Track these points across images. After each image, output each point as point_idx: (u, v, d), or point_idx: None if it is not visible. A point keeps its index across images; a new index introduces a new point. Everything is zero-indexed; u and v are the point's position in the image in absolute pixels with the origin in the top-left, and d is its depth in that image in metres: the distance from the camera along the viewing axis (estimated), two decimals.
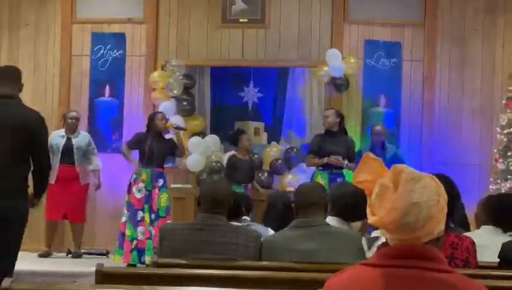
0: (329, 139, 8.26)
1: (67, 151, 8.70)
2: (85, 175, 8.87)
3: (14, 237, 4.88)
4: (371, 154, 1.94)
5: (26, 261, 6.90)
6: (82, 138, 8.87)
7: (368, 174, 1.90)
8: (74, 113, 8.96)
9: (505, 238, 4.29)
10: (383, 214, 1.82)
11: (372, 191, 1.89)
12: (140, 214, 8.22)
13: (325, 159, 8.13)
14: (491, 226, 4.42)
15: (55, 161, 8.41)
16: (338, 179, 7.98)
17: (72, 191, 8.71)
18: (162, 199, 8.30)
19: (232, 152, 9.03)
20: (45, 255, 8.80)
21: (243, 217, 5.17)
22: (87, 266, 7.26)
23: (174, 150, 8.52)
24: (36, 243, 8.91)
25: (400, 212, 1.81)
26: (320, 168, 8.25)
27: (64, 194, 8.64)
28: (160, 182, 8.32)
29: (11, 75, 4.93)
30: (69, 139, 8.76)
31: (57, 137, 8.72)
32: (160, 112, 8.76)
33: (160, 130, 8.39)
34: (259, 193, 8.80)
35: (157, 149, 8.27)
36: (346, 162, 8.14)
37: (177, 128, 8.50)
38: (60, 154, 8.64)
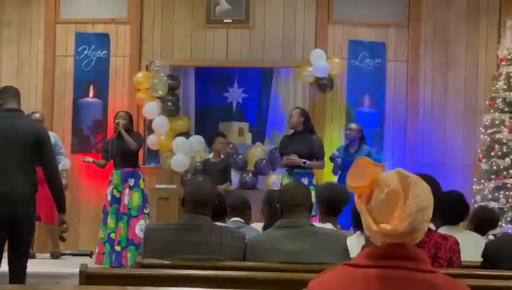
0: (294, 139, 8.27)
1: None
2: None
3: (26, 240, 5.34)
4: (368, 159, 1.90)
5: None
6: None
7: (363, 179, 1.86)
8: (37, 115, 8.73)
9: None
10: (397, 222, 1.79)
11: (367, 196, 1.85)
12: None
13: (283, 160, 8.21)
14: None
15: None
16: (302, 179, 7.98)
17: (42, 193, 8.63)
18: (134, 199, 8.19)
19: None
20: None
21: (235, 219, 5.11)
22: (71, 267, 7.23)
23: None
24: None
25: (412, 218, 1.79)
26: (286, 168, 8.29)
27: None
28: (131, 181, 8.21)
29: (16, 93, 5.52)
30: None
31: None
32: (122, 111, 8.61)
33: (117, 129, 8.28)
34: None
35: (116, 149, 8.19)
36: (303, 160, 8.07)
37: (117, 125, 8.26)
38: None
